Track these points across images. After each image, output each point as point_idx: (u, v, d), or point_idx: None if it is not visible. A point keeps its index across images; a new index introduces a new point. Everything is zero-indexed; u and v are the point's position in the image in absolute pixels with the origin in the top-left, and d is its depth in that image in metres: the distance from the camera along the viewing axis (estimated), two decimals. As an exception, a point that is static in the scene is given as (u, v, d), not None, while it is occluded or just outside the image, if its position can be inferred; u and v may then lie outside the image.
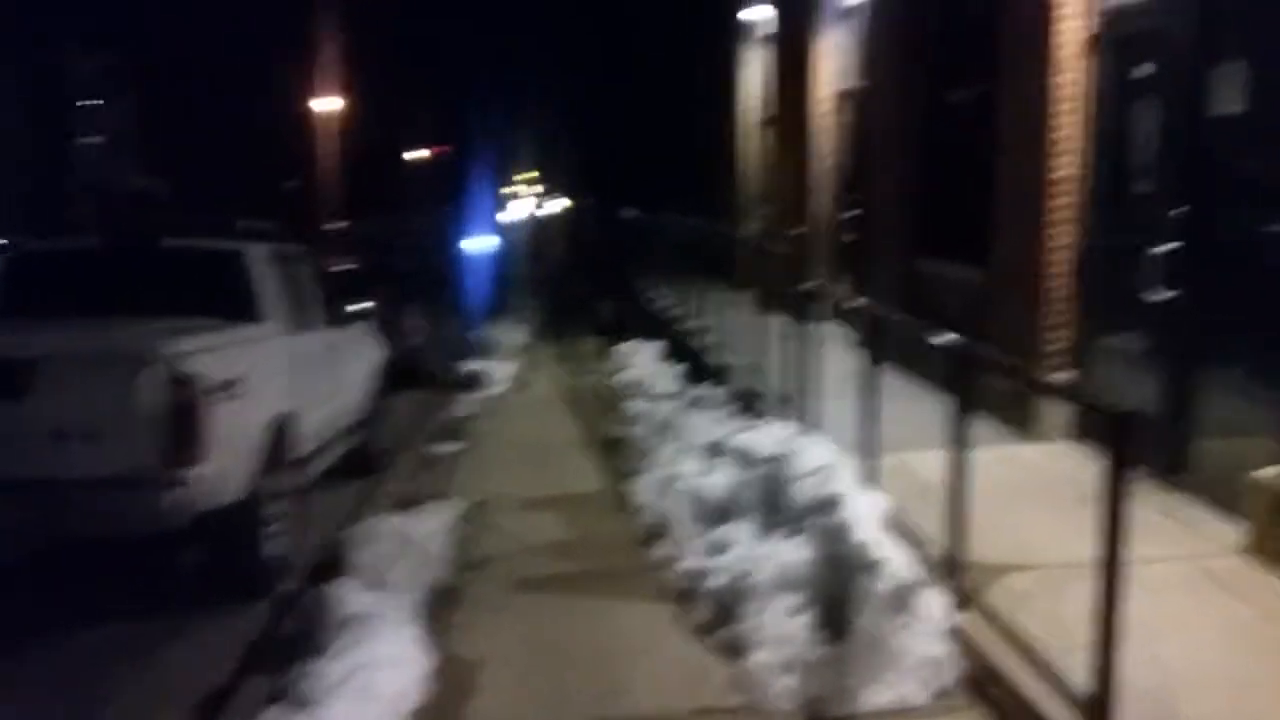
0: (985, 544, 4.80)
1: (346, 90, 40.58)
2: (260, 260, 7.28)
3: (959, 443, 4.53)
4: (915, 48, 10.01)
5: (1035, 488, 6.17)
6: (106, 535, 5.76)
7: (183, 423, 5.57)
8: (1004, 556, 4.96)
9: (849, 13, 12.28)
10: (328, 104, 40.29)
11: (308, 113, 40.95)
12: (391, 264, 20.72)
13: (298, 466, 7.25)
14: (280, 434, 6.69)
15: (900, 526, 5.20)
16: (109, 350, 5.71)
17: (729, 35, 17.99)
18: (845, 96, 12.76)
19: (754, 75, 17.24)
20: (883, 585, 4.37)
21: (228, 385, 5.94)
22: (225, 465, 5.90)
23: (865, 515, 4.95)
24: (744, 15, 16.41)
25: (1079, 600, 4.41)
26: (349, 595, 5.26)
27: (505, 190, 63.10)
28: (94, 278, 7.07)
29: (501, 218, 51.33)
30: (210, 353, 5.91)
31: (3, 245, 7.31)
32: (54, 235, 8.59)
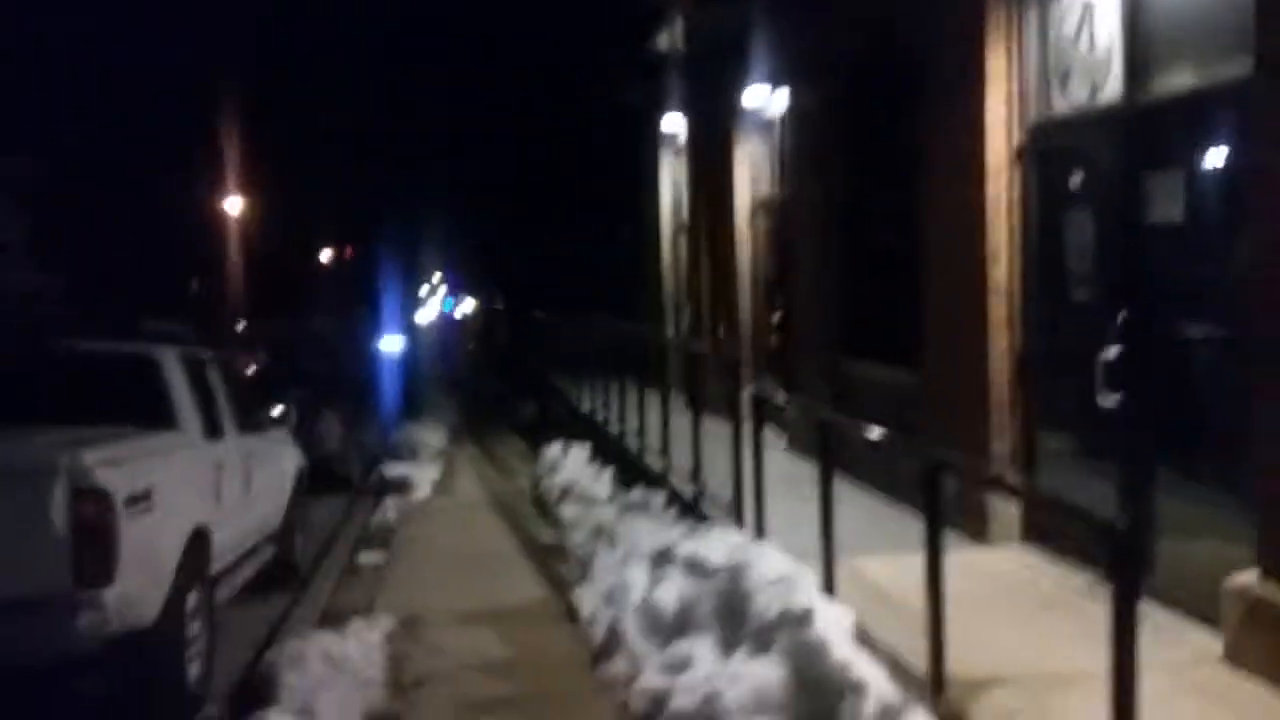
0: (959, 657, 4.59)
1: (252, 191, 40.17)
2: (173, 364, 6.90)
3: (933, 555, 4.34)
4: (834, 156, 10.08)
5: (996, 594, 6.00)
6: (7, 665, 5.22)
7: (93, 539, 5.13)
8: (981, 670, 4.74)
9: (767, 124, 12.41)
10: (232, 204, 39.81)
11: (213, 212, 40.37)
12: (304, 366, 20.23)
13: (216, 582, 6.79)
14: (197, 548, 6.25)
15: (867, 639, 4.97)
16: (7, 462, 5.26)
17: (650, 140, 18.14)
18: (765, 204, 12.84)
19: (676, 178, 17.38)
20: (868, 708, 4.11)
21: (141, 497, 5.51)
22: (140, 584, 5.45)
23: (836, 630, 4.71)
24: (664, 120, 16.57)
25: (1068, 715, 4.25)
26: (279, 728, 4.83)
27: (421, 290, 62.72)
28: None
29: (416, 317, 50.88)
30: (121, 463, 5.48)
31: None
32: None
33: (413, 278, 58.32)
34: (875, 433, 5.44)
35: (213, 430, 7.19)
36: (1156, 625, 5.29)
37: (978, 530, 6.89)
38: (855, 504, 7.64)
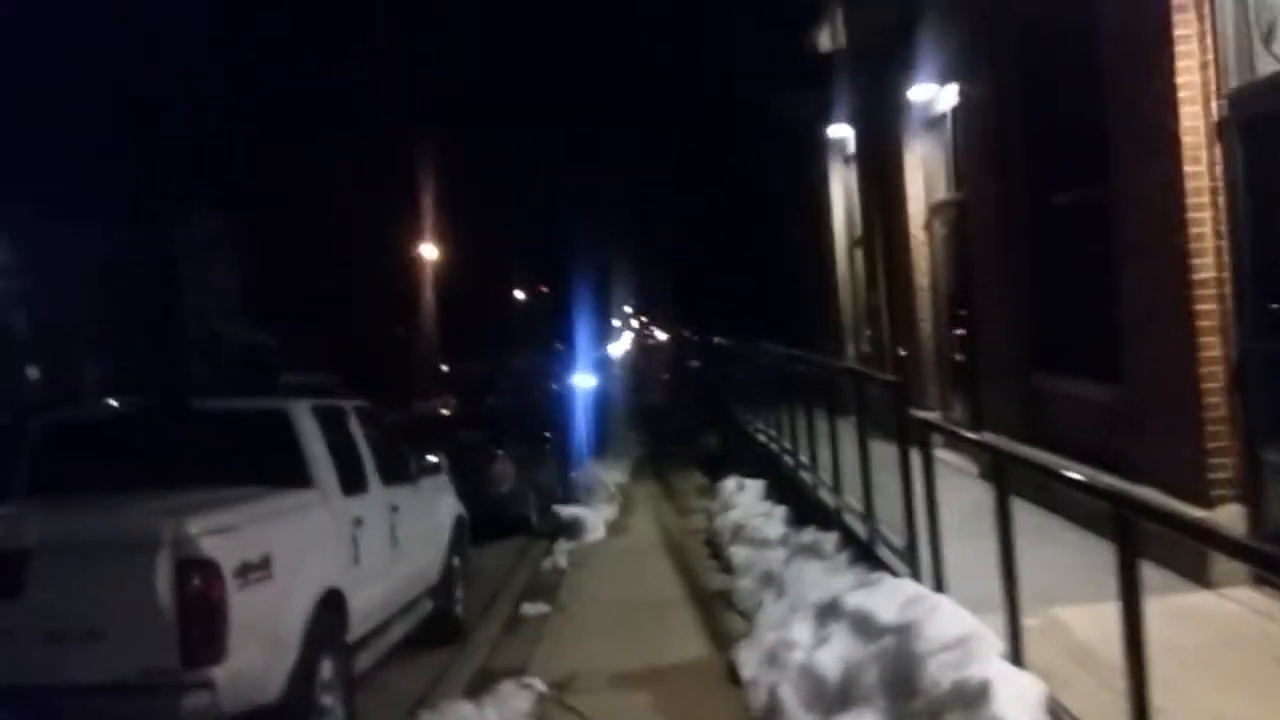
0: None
1: (447, 236, 41.21)
2: (306, 418, 6.60)
3: (1131, 618, 3.54)
4: (1011, 151, 9.26)
5: (1218, 651, 5.07)
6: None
7: (200, 614, 4.82)
8: (1200, 754, 3.91)
9: (936, 121, 11.56)
10: (428, 250, 40.90)
11: (409, 261, 41.60)
12: (485, 407, 20.26)
13: (357, 647, 6.46)
14: (330, 614, 5.91)
15: (1061, 715, 4.17)
16: (111, 534, 5.02)
17: (815, 157, 17.43)
18: (941, 208, 11.95)
19: (848, 189, 16.59)
20: (1052, 817, 3.35)
21: (258, 566, 5.19)
22: (258, 659, 5.13)
23: (1019, 707, 3.93)
24: (831, 128, 15.82)
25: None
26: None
27: (614, 322, 63.39)
28: (125, 448, 6.45)
29: (605, 352, 51.26)
30: (232, 530, 5.16)
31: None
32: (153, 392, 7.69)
33: (605, 311, 58.94)
34: (1048, 460, 4.63)
35: (353, 484, 6.89)
36: None
37: (1196, 571, 5.92)
38: (1059, 542, 6.73)
